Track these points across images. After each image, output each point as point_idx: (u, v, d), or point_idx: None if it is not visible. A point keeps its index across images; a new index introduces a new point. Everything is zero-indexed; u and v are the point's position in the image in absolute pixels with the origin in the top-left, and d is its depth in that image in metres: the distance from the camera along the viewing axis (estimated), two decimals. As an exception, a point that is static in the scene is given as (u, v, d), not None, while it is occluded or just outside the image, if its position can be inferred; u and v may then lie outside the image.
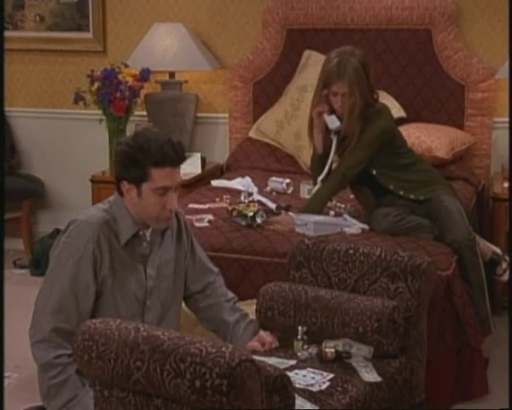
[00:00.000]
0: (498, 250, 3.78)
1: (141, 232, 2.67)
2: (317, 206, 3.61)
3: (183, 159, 2.60)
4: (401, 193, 3.57)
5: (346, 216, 3.62)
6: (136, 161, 2.54)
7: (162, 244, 2.73)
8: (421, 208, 3.56)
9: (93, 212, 2.68)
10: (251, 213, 3.54)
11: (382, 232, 3.48)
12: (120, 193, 2.64)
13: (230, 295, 2.94)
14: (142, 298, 2.69)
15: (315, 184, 3.70)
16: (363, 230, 3.53)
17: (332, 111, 3.57)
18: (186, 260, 2.83)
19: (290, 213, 3.65)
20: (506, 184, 4.29)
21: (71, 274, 2.57)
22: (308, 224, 3.46)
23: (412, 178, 3.60)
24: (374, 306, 2.66)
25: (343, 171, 3.58)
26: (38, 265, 4.93)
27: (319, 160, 3.65)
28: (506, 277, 3.73)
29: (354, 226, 3.54)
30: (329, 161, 3.60)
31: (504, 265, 3.72)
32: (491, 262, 3.68)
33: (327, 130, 3.60)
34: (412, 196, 3.57)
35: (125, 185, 2.60)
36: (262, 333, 2.80)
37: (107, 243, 2.60)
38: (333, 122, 3.56)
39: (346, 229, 3.51)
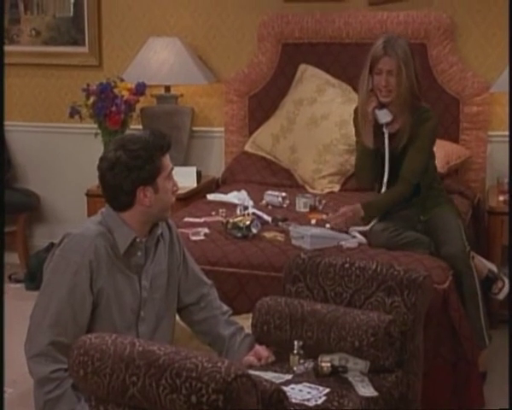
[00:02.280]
0: (494, 268, 3.77)
1: (138, 239, 2.66)
2: (380, 209, 3.59)
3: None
4: (421, 218, 3.60)
5: (356, 233, 3.59)
6: (145, 158, 2.58)
7: (156, 255, 2.73)
8: (421, 225, 3.57)
9: (87, 225, 2.68)
10: (247, 223, 3.55)
11: (379, 247, 3.48)
12: (128, 205, 2.62)
13: (225, 308, 2.94)
14: (136, 309, 2.68)
15: (364, 183, 3.76)
16: (359, 243, 3.52)
17: (381, 105, 3.54)
18: (179, 271, 2.84)
19: (290, 226, 3.63)
20: (502, 198, 4.29)
21: (68, 287, 2.56)
22: (305, 237, 3.46)
23: (430, 197, 3.63)
24: (370, 320, 2.65)
25: (407, 178, 3.57)
26: (34, 279, 4.92)
27: (369, 157, 3.63)
28: (502, 296, 3.72)
29: (351, 240, 3.54)
30: (387, 158, 3.56)
31: (500, 284, 3.71)
32: (487, 280, 3.67)
33: (376, 125, 3.58)
34: (422, 218, 3.60)
35: (141, 191, 2.60)
36: (258, 347, 2.79)
37: (103, 254, 2.59)
38: (384, 116, 3.52)
39: (343, 242, 3.50)
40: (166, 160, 2.66)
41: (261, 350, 2.78)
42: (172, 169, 2.70)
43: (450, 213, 3.60)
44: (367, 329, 2.63)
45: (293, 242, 3.50)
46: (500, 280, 3.73)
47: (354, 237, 3.55)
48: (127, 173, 2.58)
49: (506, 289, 3.72)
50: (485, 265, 3.72)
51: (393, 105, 3.55)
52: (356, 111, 3.77)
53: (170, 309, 2.81)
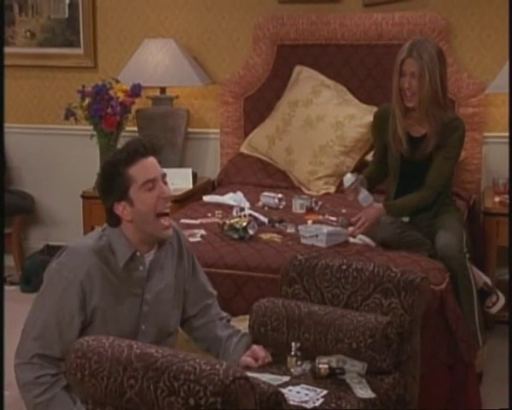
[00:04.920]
0: (489, 281, 3.78)
1: (138, 253, 2.63)
2: (403, 211, 3.59)
3: (151, 148, 2.59)
4: (430, 222, 3.61)
5: (362, 236, 3.59)
6: (113, 174, 2.54)
7: (162, 269, 2.69)
8: (428, 229, 3.58)
9: (85, 240, 2.66)
10: (243, 224, 3.55)
11: (381, 241, 3.50)
12: (117, 221, 2.59)
13: (224, 314, 2.92)
14: (135, 323, 2.64)
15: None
16: (363, 241, 3.55)
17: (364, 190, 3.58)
18: (187, 284, 2.80)
19: (299, 226, 3.63)
20: (497, 199, 4.30)
21: (56, 303, 2.54)
22: (319, 235, 3.47)
23: (441, 203, 3.65)
24: (367, 322, 2.65)
25: (433, 185, 3.58)
26: (29, 281, 4.92)
27: (396, 161, 3.64)
28: (495, 310, 3.73)
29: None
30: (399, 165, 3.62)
31: (494, 298, 3.72)
32: (482, 292, 3.66)
33: (406, 138, 3.59)
34: (430, 222, 3.61)
35: (117, 208, 2.57)
36: (255, 347, 2.78)
37: (98, 272, 2.55)
38: (365, 199, 3.57)
39: (351, 239, 3.56)
40: (137, 170, 2.53)
41: (258, 350, 2.76)
42: (153, 181, 2.55)
43: (456, 220, 3.63)
44: (364, 330, 2.63)
45: (304, 241, 3.51)
46: (494, 294, 3.73)
47: (361, 240, 3.57)
48: (101, 193, 2.62)
49: (500, 304, 3.73)
50: (481, 277, 3.73)
51: (417, 111, 3.55)
52: (376, 115, 3.79)
53: (174, 321, 2.77)
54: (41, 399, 2.52)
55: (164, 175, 2.61)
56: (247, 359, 2.73)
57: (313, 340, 2.73)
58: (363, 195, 3.58)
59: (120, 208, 2.57)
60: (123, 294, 2.61)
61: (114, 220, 2.61)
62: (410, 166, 3.61)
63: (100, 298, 2.55)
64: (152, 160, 2.58)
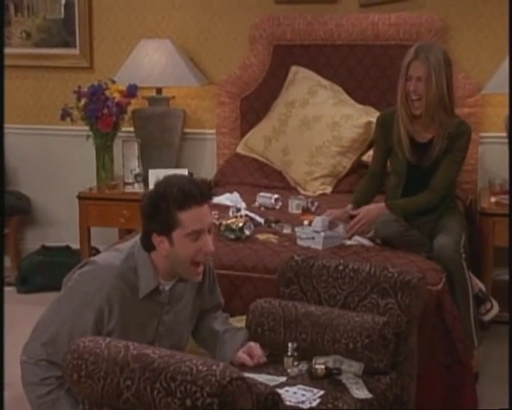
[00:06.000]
0: (484, 288, 3.78)
1: (161, 287, 2.57)
2: (405, 212, 3.56)
3: (208, 195, 2.53)
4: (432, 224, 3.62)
5: (359, 238, 3.59)
6: (161, 209, 2.44)
7: (183, 295, 2.66)
8: (428, 231, 3.58)
9: (112, 260, 2.56)
10: (240, 225, 3.54)
11: (383, 237, 3.50)
12: (151, 247, 2.52)
13: (224, 314, 2.92)
14: (150, 341, 2.58)
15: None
16: (362, 245, 3.55)
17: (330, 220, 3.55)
18: (203, 301, 2.77)
19: (296, 228, 3.62)
20: (493, 199, 4.30)
21: (71, 316, 2.51)
22: (316, 237, 3.46)
23: (445, 207, 3.65)
24: (364, 322, 2.65)
25: (438, 189, 3.58)
26: (25, 282, 4.91)
27: (403, 167, 3.63)
28: (488, 317, 3.73)
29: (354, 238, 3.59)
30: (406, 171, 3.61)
31: (488, 305, 3.71)
32: (476, 299, 3.66)
33: (411, 143, 3.58)
34: (433, 224, 3.61)
35: (155, 238, 2.49)
36: (252, 344, 2.75)
37: (119, 297, 2.50)
38: (319, 224, 3.51)
39: (348, 241, 3.55)
40: (188, 217, 2.44)
41: (254, 348, 2.74)
42: (200, 232, 2.47)
43: (456, 222, 3.63)
44: (361, 331, 2.63)
45: (300, 242, 3.50)
46: (489, 302, 3.73)
47: (357, 241, 3.57)
48: (144, 217, 2.52)
49: (493, 312, 3.73)
50: (477, 283, 3.73)
51: (423, 116, 3.53)
52: (379, 120, 3.78)
53: (187, 336, 2.76)
54: (44, 399, 2.53)
55: (211, 226, 2.54)
56: (242, 355, 2.71)
57: (310, 340, 2.73)
58: (319, 219, 3.57)
59: (158, 240, 2.49)
60: (141, 316, 2.57)
61: (148, 246, 2.53)
62: (417, 173, 3.61)
63: (117, 321, 2.50)
64: (205, 209, 2.50)
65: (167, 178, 2.53)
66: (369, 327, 2.63)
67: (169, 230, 2.46)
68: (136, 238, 2.60)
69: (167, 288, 2.60)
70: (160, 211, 2.45)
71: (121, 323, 2.51)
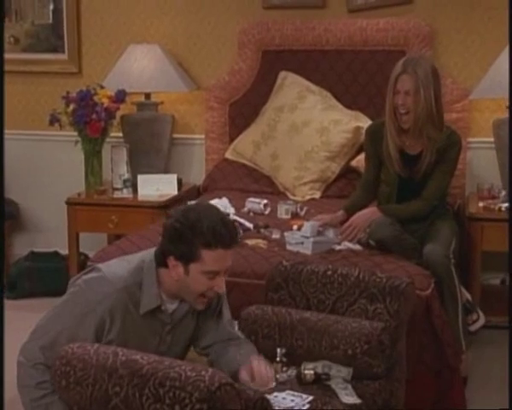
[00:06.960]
0: (470, 299, 3.79)
1: (163, 307, 2.54)
2: (397, 217, 3.56)
3: (236, 241, 2.50)
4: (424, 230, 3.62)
5: (348, 243, 3.58)
6: (186, 239, 2.40)
7: (186, 316, 2.62)
8: (420, 237, 3.58)
9: (119, 270, 2.52)
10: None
11: (378, 240, 3.50)
12: (164, 265, 2.48)
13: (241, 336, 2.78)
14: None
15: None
16: (352, 250, 3.55)
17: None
18: (207, 321, 2.69)
19: (286, 232, 3.62)
20: (481, 204, 4.32)
21: (73, 322, 2.49)
22: (305, 243, 3.46)
23: (437, 213, 3.65)
24: (362, 328, 2.65)
25: (430, 199, 3.59)
26: (14, 288, 4.89)
27: (392, 179, 3.63)
28: (474, 328, 3.72)
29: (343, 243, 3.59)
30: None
31: (475, 316, 3.71)
32: (463, 309, 3.66)
33: (401, 156, 3.58)
34: (425, 230, 3.62)
35: (171, 260, 2.45)
36: (255, 364, 2.56)
37: (121, 309, 2.47)
38: (308, 229, 3.50)
39: (337, 247, 3.55)
40: (211, 256, 2.40)
41: (258, 371, 2.53)
42: (218, 273, 2.45)
43: (448, 228, 3.63)
44: (360, 337, 2.62)
45: (290, 248, 3.50)
46: (475, 313, 3.73)
47: (346, 246, 3.57)
48: (166, 238, 2.47)
49: (479, 324, 3.73)
50: (464, 293, 3.73)
51: (411, 130, 3.53)
52: (368, 131, 3.77)
53: (184, 355, 2.71)
54: (38, 403, 2.50)
55: (228, 268, 2.51)
56: (242, 374, 2.55)
57: (307, 347, 2.72)
58: (309, 224, 3.57)
59: (174, 263, 2.45)
60: (142, 332, 2.54)
61: (161, 263, 2.50)
62: (408, 185, 3.61)
63: (117, 333, 2.48)
64: (230, 253, 2.46)
65: (200, 208, 2.50)
66: (368, 333, 2.62)
67: (188, 261, 2.43)
68: (149, 251, 2.57)
69: (170, 309, 2.57)
70: (184, 240, 2.41)
71: (121, 335, 2.49)
